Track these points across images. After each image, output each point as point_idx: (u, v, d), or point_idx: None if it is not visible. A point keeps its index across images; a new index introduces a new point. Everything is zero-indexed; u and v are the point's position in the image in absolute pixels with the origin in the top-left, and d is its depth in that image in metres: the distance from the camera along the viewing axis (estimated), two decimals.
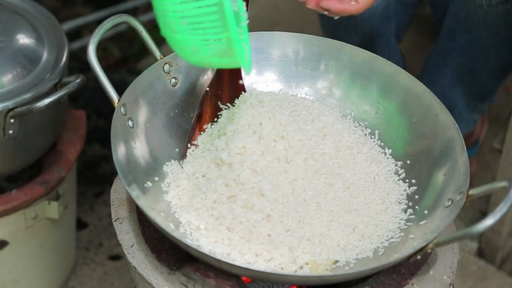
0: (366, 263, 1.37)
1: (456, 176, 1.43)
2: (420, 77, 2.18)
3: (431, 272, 1.42)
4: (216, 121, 1.54)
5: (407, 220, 1.44)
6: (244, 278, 1.42)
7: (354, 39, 2.13)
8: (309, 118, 1.51)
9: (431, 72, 2.13)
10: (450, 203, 1.40)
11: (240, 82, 1.57)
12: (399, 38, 2.29)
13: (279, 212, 1.37)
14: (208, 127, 1.54)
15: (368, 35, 2.11)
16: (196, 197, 1.40)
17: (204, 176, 1.43)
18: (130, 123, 1.47)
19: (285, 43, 1.63)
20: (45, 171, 1.90)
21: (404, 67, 2.30)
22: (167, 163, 1.50)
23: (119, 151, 1.41)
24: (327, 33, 2.22)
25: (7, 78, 1.76)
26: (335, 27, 2.14)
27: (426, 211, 1.44)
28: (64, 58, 1.83)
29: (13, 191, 1.86)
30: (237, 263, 1.31)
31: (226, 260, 1.31)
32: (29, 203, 1.87)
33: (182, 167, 1.49)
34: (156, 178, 1.46)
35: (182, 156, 1.52)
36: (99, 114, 2.58)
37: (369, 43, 2.14)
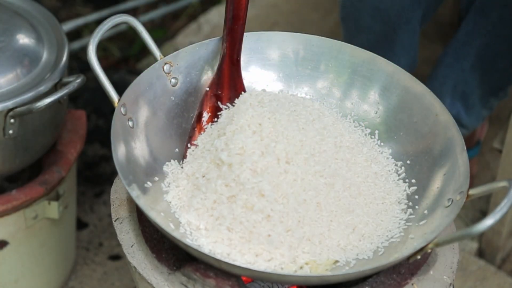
0: (366, 263, 1.37)
1: (456, 176, 1.43)
2: (439, 61, 2.16)
3: (431, 272, 1.42)
4: (216, 121, 1.54)
5: (407, 220, 1.44)
6: (244, 278, 1.42)
7: (376, 26, 2.08)
8: (309, 118, 1.51)
9: (456, 53, 2.10)
10: (450, 203, 1.40)
11: (240, 82, 1.57)
12: (421, 27, 2.26)
13: (279, 212, 1.36)
14: (208, 127, 1.54)
15: (393, 20, 2.08)
16: (196, 197, 1.40)
17: (204, 176, 1.43)
18: (130, 123, 1.47)
19: (285, 43, 1.63)
20: (45, 171, 1.90)
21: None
22: (167, 163, 1.50)
23: (119, 151, 1.41)
24: (346, 19, 2.16)
25: (7, 78, 1.76)
26: (359, 11, 2.09)
27: (426, 211, 1.44)
28: (64, 58, 1.83)
29: (13, 191, 1.86)
30: (237, 263, 1.31)
31: (226, 260, 1.31)
32: (29, 203, 1.87)
33: (182, 167, 1.49)
34: (156, 178, 1.46)
35: (182, 156, 1.52)
36: (99, 114, 2.58)
37: (391, 31, 2.10)
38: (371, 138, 1.57)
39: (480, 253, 2.25)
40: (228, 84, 1.57)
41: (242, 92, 1.55)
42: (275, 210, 1.36)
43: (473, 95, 2.13)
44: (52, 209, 1.91)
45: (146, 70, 1.52)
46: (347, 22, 2.17)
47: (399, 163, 1.54)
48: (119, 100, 1.46)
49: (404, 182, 1.51)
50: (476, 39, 2.06)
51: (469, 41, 2.08)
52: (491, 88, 2.14)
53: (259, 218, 1.36)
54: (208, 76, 1.59)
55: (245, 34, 1.60)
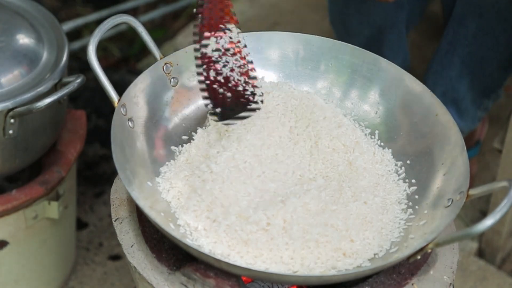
0: (366, 263, 1.37)
1: (456, 176, 1.43)
2: (428, 68, 2.18)
3: (431, 272, 1.42)
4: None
5: (407, 220, 1.44)
6: (244, 278, 1.42)
7: (364, 30, 2.11)
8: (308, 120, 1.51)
9: (441, 62, 2.12)
10: (450, 203, 1.40)
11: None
12: (408, 30, 2.28)
13: (280, 216, 1.36)
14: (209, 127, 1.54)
15: (379, 23, 2.10)
16: (192, 199, 1.40)
17: (199, 177, 1.43)
18: (130, 123, 1.47)
19: (285, 43, 1.63)
20: (45, 171, 1.90)
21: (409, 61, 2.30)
22: (166, 163, 1.50)
23: (119, 151, 1.41)
24: (335, 23, 2.20)
25: (7, 78, 1.76)
26: (345, 16, 2.12)
27: (426, 211, 1.44)
28: (64, 58, 1.83)
29: (13, 191, 1.85)
30: (237, 263, 1.31)
31: (226, 260, 1.31)
32: (29, 203, 1.87)
33: (181, 168, 1.49)
34: (156, 178, 1.46)
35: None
36: (99, 114, 2.58)
37: (379, 34, 2.12)
38: (371, 138, 1.57)
39: (480, 253, 2.25)
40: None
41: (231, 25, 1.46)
42: (273, 212, 1.36)
43: (464, 100, 2.14)
44: (52, 209, 1.91)
45: (146, 70, 1.52)
46: (336, 26, 2.19)
47: (399, 163, 1.53)
48: (119, 100, 1.46)
49: (404, 182, 1.51)
50: (458, 48, 2.07)
51: (452, 50, 2.09)
52: (482, 92, 2.14)
53: (254, 229, 1.35)
54: None
55: (245, 34, 1.60)
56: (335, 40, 1.63)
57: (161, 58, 1.55)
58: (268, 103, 1.50)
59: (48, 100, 1.72)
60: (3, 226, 1.87)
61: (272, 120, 1.47)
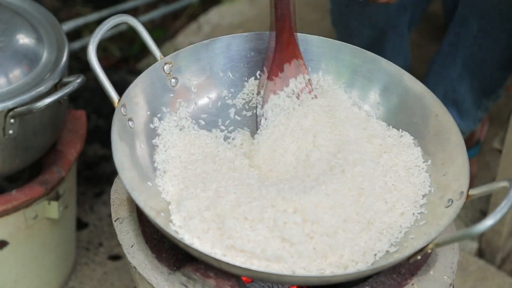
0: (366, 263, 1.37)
1: (456, 176, 1.43)
2: (429, 69, 2.18)
3: (431, 272, 1.42)
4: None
5: (408, 220, 1.44)
6: (244, 278, 1.42)
7: (365, 31, 2.11)
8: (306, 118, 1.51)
9: (442, 63, 2.12)
10: (450, 203, 1.40)
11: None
12: (410, 31, 2.29)
13: (280, 218, 1.36)
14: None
15: (381, 25, 2.10)
16: (188, 200, 1.40)
17: (198, 177, 1.43)
18: (130, 123, 1.47)
19: None
20: (45, 171, 1.90)
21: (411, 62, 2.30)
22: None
23: (119, 151, 1.41)
24: (336, 24, 2.20)
25: (7, 78, 1.76)
26: (347, 17, 2.13)
27: (426, 211, 1.44)
28: (64, 58, 1.83)
29: (13, 191, 1.85)
30: (237, 263, 1.31)
31: (226, 260, 1.31)
32: (29, 203, 1.87)
33: (181, 167, 1.49)
34: (156, 178, 1.46)
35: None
36: (99, 114, 2.58)
37: (380, 35, 2.12)
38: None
39: (480, 253, 2.25)
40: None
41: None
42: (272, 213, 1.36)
43: (465, 101, 2.14)
44: (52, 209, 1.91)
45: (146, 70, 1.52)
46: (338, 27, 2.20)
47: None
48: (119, 100, 1.46)
49: (405, 182, 1.50)
50: (459, 50, 2.08)
51: (453, 52, 2.09)
52: (483, 93, 2.15)
53: (254, 230, 1.35)
54: (207, 76, 1.58)
55: (245, 34, 1.60)
56: (335, 40, 1.63)
57: (161, 58, 1.55)
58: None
59: (48, 100, 1.72)
60: (3, 226, 1.88)
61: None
